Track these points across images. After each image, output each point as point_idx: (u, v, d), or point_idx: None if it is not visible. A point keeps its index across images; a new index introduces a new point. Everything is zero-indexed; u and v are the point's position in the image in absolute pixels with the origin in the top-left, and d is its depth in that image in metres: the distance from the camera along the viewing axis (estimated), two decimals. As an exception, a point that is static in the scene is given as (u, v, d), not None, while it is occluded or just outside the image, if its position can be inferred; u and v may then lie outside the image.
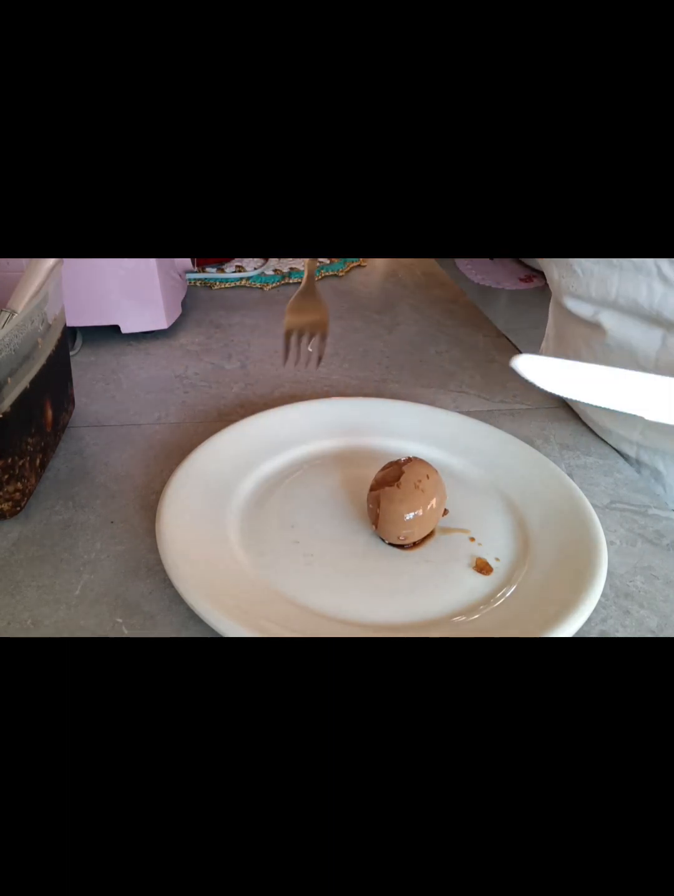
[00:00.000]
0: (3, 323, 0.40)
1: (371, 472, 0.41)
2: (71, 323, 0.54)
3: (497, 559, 0.39)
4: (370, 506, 0.39)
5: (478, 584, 0.37)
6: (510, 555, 0.39)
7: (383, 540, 0.39)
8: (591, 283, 0.45)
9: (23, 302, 0.41)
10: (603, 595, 0.36)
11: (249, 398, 0.56)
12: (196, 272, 0.78)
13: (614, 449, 0.51)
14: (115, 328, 0.63)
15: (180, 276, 0.69)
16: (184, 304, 0.69)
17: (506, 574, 0.38)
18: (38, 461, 0.43)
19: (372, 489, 0.39)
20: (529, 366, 0.32)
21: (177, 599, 0.35)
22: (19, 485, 0.40)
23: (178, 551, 0.36)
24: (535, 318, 0.61)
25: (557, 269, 0.48)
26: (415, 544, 0.39)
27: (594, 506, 0.41)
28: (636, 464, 0.50)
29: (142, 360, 0.62)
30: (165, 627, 0.35)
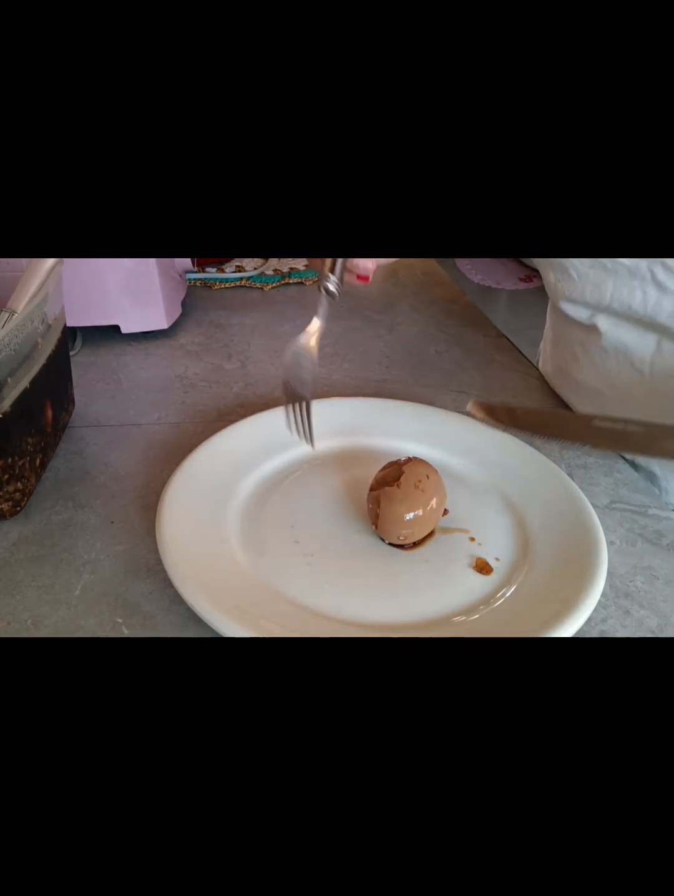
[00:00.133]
0: (3, 323, 0.40)
1: (371, 472, 0.41)
2: (71, 323, 0.54)
3: (497, 559, 0.39)
4: (370, 506, 0.39)
5: (478, 584, 0.37)
6: (510, 555, 0.39)
7: (383, 540, 0.39)
8: (586, 287, 0.46)
9: (23, 302, 0.41)
10: (603, 595, 0.36)
11: (249, 398, 0.56)
12: (196, 272, 0.78)
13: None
14: (116, 328, 0.63)
15: (180, 276, 0.69)
16: (184, 304, 0.69)
17: (506, 574, 0.38)
18: (38, 461, 0.43)
19: (372, 489, 0.39)
20: (478, 410, 0.34)
21: (177, 599, 0.35)
22: (19, 485, 0.40)
23: (178, 551, 0.36)
24: (535, 318, 0.61)
25: (553, 273, 0.48)
26: (415, 544, 0.39)
27: (594, 506, 0.41)
28: (632, 466, 0.50)
29: (142, 360, 0.62)
30: (165, 627, 0.35)
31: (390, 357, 0.64)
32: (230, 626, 0.32)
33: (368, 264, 0.38)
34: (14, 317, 0.40)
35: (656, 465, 0.49)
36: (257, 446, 0.46)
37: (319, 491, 0.43)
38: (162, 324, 0.64)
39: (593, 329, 0.48)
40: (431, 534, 0.40)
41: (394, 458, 0.41)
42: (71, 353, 0.56)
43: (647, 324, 0.44)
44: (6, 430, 0.38)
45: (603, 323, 0.47)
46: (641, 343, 0.45)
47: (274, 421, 0.48)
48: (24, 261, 0.47)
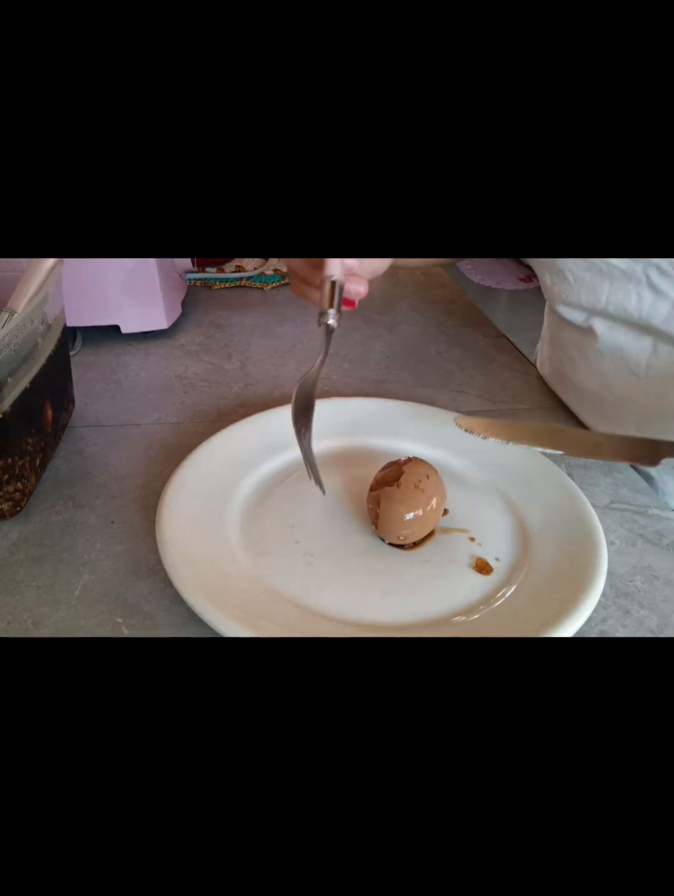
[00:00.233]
0: (3, 323, 0.40)
1: (371, 472, 0.41)
2: (71, 323, 0.54)
3: (497, 559, 0.39)
4: (370, 506, 0.39)
5: (478, 584, 0.37)
6: (510, 555, 0.39)
7: (383, 540, 0.39)
8: (582, 290, 0.46)
9: (23, 302, 0.41)
10: (603, 595, 0.36)
11: (249, 398, 0.56)
12: (196, 272, 0.78)
13: None
14: (116, 328, 0.63)
15: (180, 276, 0.69)
16: (184, 304, 0.69)
17: (506, 574, 0.38)
18: (38, 461, 0.43)
19: (372, 489, 0.39)
20: (469, 424, 0.39)
21: (177, 599, 0.35)
22: (19, 485, 0.40)
23: (178, 551, 0.36)
24: (535, 318, 0.61)
25: (549, 276, 0.48)
26: (415, 544, 0.39)
27: (594, 506, 0.41)
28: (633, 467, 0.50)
29: (142, 360, 0.62)
30: (165, 627, 0.35)
31: (390, 357, 0.64)
32: (230, 626, 0.32)
33: (359, 289, 0.38)
34: (14, 317, 0.40)
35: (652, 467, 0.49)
36: (257, 446, 0.46)
37: (318, 491, 0.43)
38: (162, 324, 0.64)
39: (589, 332, 0.48)
40: (431, 534, 0.40)
41: (394, 458, 0.41)
42: (71, 353, 0.56)
43: (642, 327, 0.44)
44: (6, 430, 0.38)
45: (599, 326, 0.47)
46: (636, 346, 0.45)
47: (274, 421, 0.48)
48: (24, 261, 0.47)
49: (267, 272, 0.81)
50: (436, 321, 0.72)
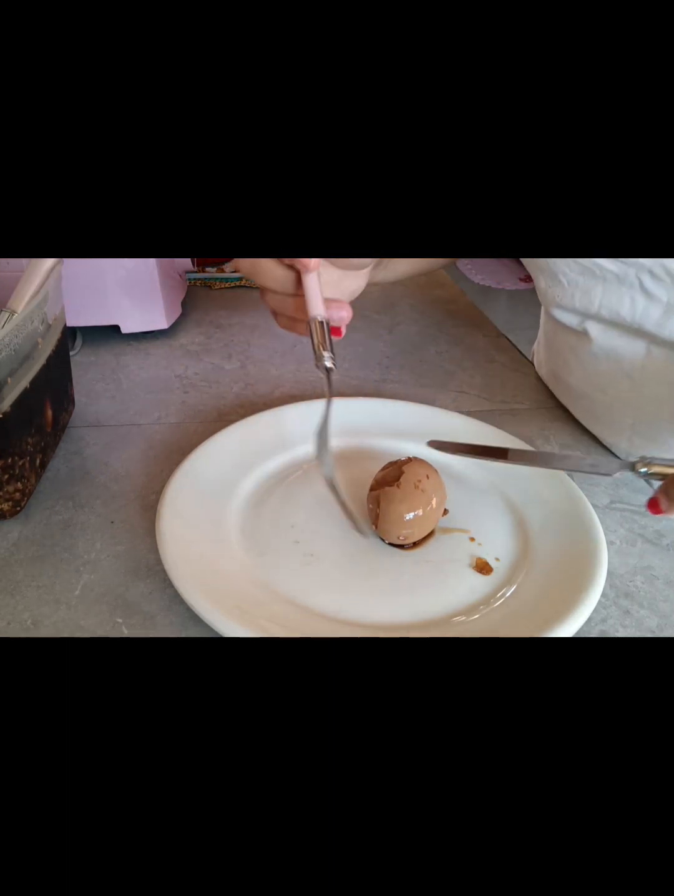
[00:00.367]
0: (3, 323, 0.40)
1: (371, 472, 0.41)
2: (71, 323, 0.54)
3: (497, 559, 0.39)
4: (370, 506, 0.39)
5: (478, 584, 0.37)
6: (510, 555, 0.39)
7: (383, 540, 0.39)
8: (576, 293, 0.46)
9: (23, 302, 0.41)
10: (603, 595, 0.36)
11: (249, 398, 0.56)
12: (196, 272, 0.78)
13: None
14: (116, 328, 0.63)
15: (180, 276, 0.69)
16: (184, 304, 0.69)
17: (506, 574, 0.38)
18: (38, 461, 0.43)
19: (372, 489, 0.39)
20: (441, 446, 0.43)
21: (177, 599, 0.35)
22: (19, 485, 0.40)
23: (178, 551, 0.36)
24: (535, 318, 0.61)
25: (543, 279, 0.48)
26: (415, 544, 0.39)
27: (594, 506, 0.41)
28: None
29: (142, 360, 0.62)
30: (165, 627, 0.35)
31: (390, 357, 0.64)
32: (230, 626, 0.32)
33: (342, 314, 0.37)
34: (14, 317, 0.40)
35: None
36: (257, 446, 0.46)
37: (319, 491, 0.43)
38: (162, 324, 0.64)
39: (583, 335, 0.48)
40: (431, 534, 0.40)
41: (394, 458, 0.41)
42: (71, 353, 0.56)
43: (635, 330, 0.44)
44: (6, 430, 0.38)
45: (593, 329, 0.47)
46: (630, 349, 0.45)
47: (274, 421, 0.48)
48: (24, 261, 0.47)
49: (267, 272, 0.81)
50: (436, 321, 0.72)
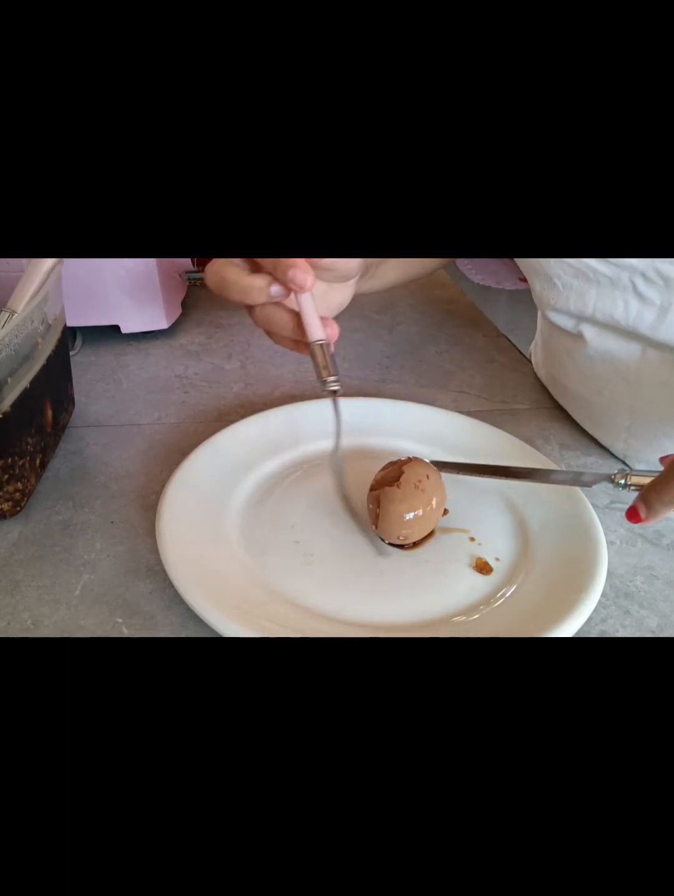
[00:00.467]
0: (3, 323, 0.40)
1: (371, 472, 0.41)
2: (71, 323, 0.54)
3: (497, 559, 0.39)
4: (370, 506, 0.39)
5: (478, 584, 0.37)
6: (510, 555, 0.39)
7: (383, 540, 0.39)
8: (570, 296, 0.46)
9: (23, 302, 0.41)
10: (603, 595, 0.36)
11: (249, 398, 0.56)
12: (196, 272, 0.78)
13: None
14: (116, 328, 0.63)
15: (180, 276, 0.69)
16: (184, 304, 0.69)
17: (506, 574, 0.38)
18: (38, 461, 0.43)
19: (372, 489, 0.39)
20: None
21: (177, 599, 0.35)
22: (19, 485, 0.40)
23: (178, 551, 0.36)
24: (534, 319, 0.61)
25: (538, 282, 0.48)
26: (415, 544, 0.39)
27: (594, 506, 0.41)
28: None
29: (142, 360, 0.62)
30: (165, 627, 0.35)
31: (390, 357, 0.64)
32: (230, 626, 0.32)
33: (328, 331, 0.36)
34: (14, 317, 0.40)
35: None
36: (257, 446, 0.46)
37: (319, 491, 0.43)
38: (162, 324, 0.64)
39: (578, 337, 0.48)
40: (431, 534, 0.40)
41: (394, 458, 0.41)
42: (71, 353, 0.56)
43: (630, 333, 0.44)
44: (6, 430, 0.38)
45: (588, 332, 0.47)
46: (625, 351, 0.45)
47: (274, 421, 0.48)
48: (24, 261, 0.47)
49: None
50: (436, 321, 0.72)
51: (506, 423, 0.52)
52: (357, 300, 0.52)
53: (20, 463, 0.40)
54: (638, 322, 0.43)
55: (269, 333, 0.38)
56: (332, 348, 0.36)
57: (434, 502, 0.38)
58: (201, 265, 0.81)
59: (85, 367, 0.60)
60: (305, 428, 0.48)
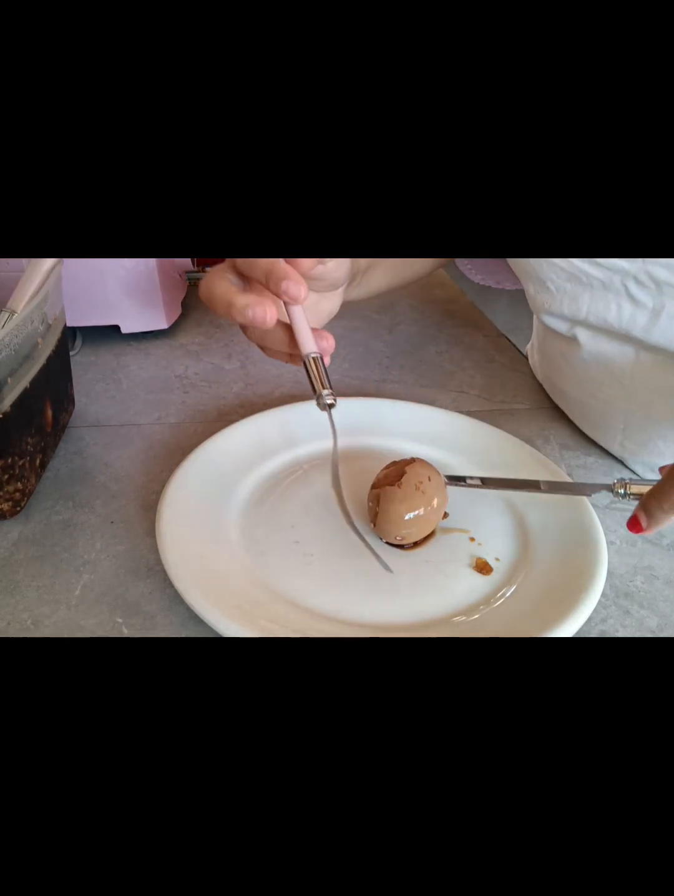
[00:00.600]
0: (3, 323, 0.40)
1: (371, 473, 0.41)
2: (71, 323, 0.54)
3: (497, 559, 0.39)
4: (370, 504, 0.39)
5: (478, 584, 0.37)
6: (510, 555, 0.39)
7: (382, 539, 0.39)
8: (564, 300, 0.46)
9: (23, 302, 0.41)
10: (603, 595, 0.36)
11: (249, 398, 0.56)
12: (196, 272, 0.78)
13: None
14: (116, 328, 0.63)
15: (180, 276, 0.69)
16: (184, 304, 0.69)
17: (506, 574, 0.38)
18: (38, 461, 0.43)
19: (373, 487, 0.39)
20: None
21: (177, 599, 0.35)
22: (19, 485, 0.40)
23: (178, 551, 0.36)
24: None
25: (532, 285, 0.49)
26: (415, 544, 0.39)
27: (594, 506, 0.41)
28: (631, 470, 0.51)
29: (142, 360, 0.62)
30: (165, 627, 0.35)
31: (390, 357, 0.64)
32: (230, 626, 0.32)
33: (324, 344, 0.35)
34: (14, 317, 0.40)
35: (639, 471, 0.49)
36: (257, 446, 0.46)
37: (319, 491, 0.43)
38: (162, 324, 0.64)
39: (573, 341, 0.48)
40: (431, 535, 0.40)
41: (394, 458, 0.41)
42: (71, 353, 0.56)
43: (623, 336, 0.44)
44: (6, 430, 0.38)
45: (582, 335, 0.47)
46: (619, 354, 0.46)
47: (274, 421, 0.48)
48: (24, 261, 0.47)
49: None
50: (436, 321, 0.72)
51: (506, 423, 0.52)
52: (357, 300, 0.52)
53: (20, 463, 0.40)
54: (631, 325, 0.43)
55: (262, 348, 0.38)
56: (327, 360, 0.35)
57: (435, 503, 0.38)
58: (201, 265, 0.81)
59: (85, 367, 0.60)
60: (305, 428, 0.48)
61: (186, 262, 0.67)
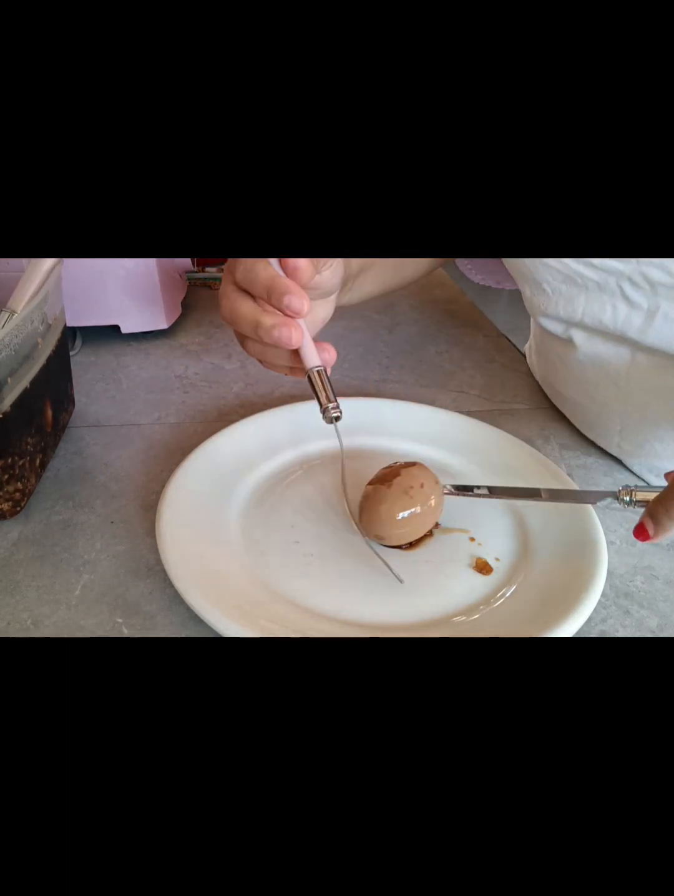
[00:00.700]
0: (3, 323, 0.40)
1: (371, 473, 0.41)
2: (71, 323, 0.54)
3: (497, 559, 0.39)
4: (361, 499, 0.39)
5: (478, 584, 0.37)
6: (510, 555, 0.39)
7: (364, 536, 0.39)
8: (560, 301, 0.46)
9: (23, 302, 0.41)
10: (603, 595, 0.36)
11: (249, 398, 0.57)
12: (196, 272, 0.78)
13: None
14: (115, 328, 0.63)
15: (180, 275, 0.69)
16: (184, 304, 0.69)
17: (506, 574, 0.38)
18: (38, 461, 0.43)
19: (369, 483, 0.39)
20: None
21: (177, 599, 0.35)
22: (19, 485, 0.40)
23: (178, 551, 0.36)
24: (534, 319, 0.61)
25: (528, 287, 0.49)
26: (411, 545, 0.39)
27: (594, 506, 0.41)
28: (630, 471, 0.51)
29: (142, 360, 0.62)
30: (165, 627, 0.35)
31: (390, 357, 0.64)
32: (230, 626, 0.32)
33: (326, 356, 0.35)
34: (14, 317, 0.40)
35: (637, 471, 0.49)
36: (257, 446, 0.46)
37: (319, 491, 0.43)
38: (162, 324, 0.64)
39: (569, 342, 0.48)
40: (424, 537, 0.40)
41: (395, 458, 0.41)
42: (71, 353, 0.56)
43: (618, 338, 0.44)
44: (6, 430, 0.38)
45: (578, 336, 0.47)
46: (615, 356, 0.46)
47: (274, 421, 0.48)
48: (24, 261, 0.47)
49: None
50: (436, 321, 0.72)
51: (506, 423, 0.52)
52: (349, 305, 0.52)
53: (20, 463, 0.40)
54: (626, 326, 0.43)
55: (262, 361, 0.38)
56: (329, 371, 0.35)
57: (420, 510, 0.37)
58: (201, 265, 0.81)
59: (85, 367, 0.60)
60: (306, 428, 0.48)
61: (186, 262, 0.67)
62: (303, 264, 0.33)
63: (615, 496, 0.36)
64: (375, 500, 0.38)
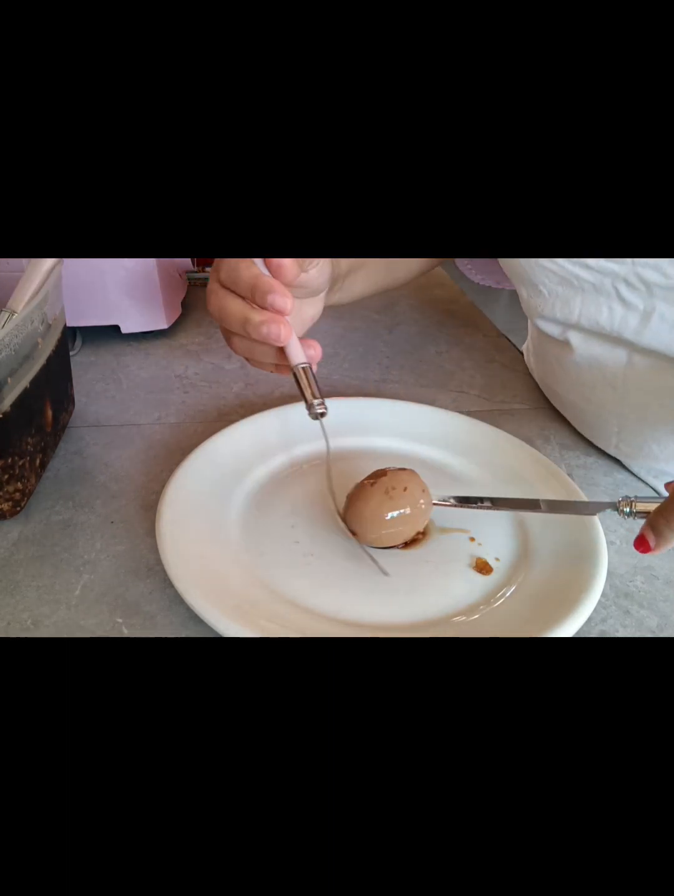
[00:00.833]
0: (3, 323, 0.40)
1: (368, 472, 0.40)
2: (71, 323, 0.54)
3: (497, 559, 0.39)
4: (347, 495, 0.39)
5: (478, 584, 0.37)
6: (510, 555, 0.39)
7: (357, 539, 0.39)
8: (556, 303, 0.46)
9: (23, 302, 0.41)
10: (603, 595, 0.36)
11: (249, 398, 0.57)
12: (196, 272, 0.78)
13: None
14: (116, 328, 0.63)
15: (180, 275, 0.69)
16: (184, 304, 0.69)
17: (506, 574, 0.38)
18: (38, 461, 0.43)
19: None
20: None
21: (177, 599, 0.35)
22: (19, 485, 0.40)
23: (178, 551, 0.36)
24: (533, 320, 0.61)
25: (525, 289, 0.49)
26: (407, 544, 0.39)
27: (594, 505, 0.41)
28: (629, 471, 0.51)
29: (142, 360, 0.62)
30: (165, 627, 0.35)
31: (390, 357, 0.64)
32: (230, 626, 0.32)
33: (311, 352, 0.36)
34: (14, 317, 0.40)
35: (651, 476, 0.49)
36: (257, 446, 0.46)
37: (319, 491, 0.43)
38: (162, 324, 0.64)
39: (565, 344, 0.48)
40: (417, 539, 0.39)
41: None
42: (71, 353, 0.56)
43: (615, 339, 0.44)
44: (6, 430, 0.38)
45: (574, 338, 0.47)
46: (612, 357, 0.46)
47: (274, 421, 0.48)
48: (24, 261, 0.47)
49: (267, 272, 0.81)
50: (436, 321, 0.72)
51: (506, 423, 0.52)
52: (357, 300, 0.52)
53: (20, 463, 0.40)
54: (622, 327, 0.43)
55: (248, 359, 0.38)
56: (314, 368, 0.35)
57: (398, 515, 0.37)
58: (201, 265, 0.81)
59: (85, 367, 0.60)
60: (306, 428, 0.48)
61: (186, 262, 0.67)
62: (287, 263, 0.34)
63: (615, 507, 0.36)
64: (356, 496, 0.38)
